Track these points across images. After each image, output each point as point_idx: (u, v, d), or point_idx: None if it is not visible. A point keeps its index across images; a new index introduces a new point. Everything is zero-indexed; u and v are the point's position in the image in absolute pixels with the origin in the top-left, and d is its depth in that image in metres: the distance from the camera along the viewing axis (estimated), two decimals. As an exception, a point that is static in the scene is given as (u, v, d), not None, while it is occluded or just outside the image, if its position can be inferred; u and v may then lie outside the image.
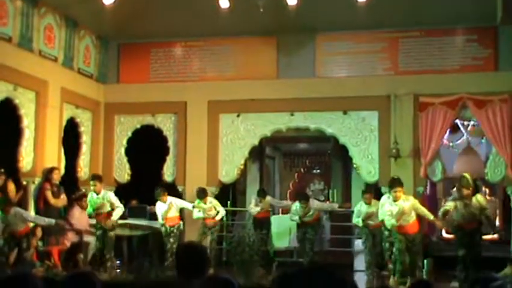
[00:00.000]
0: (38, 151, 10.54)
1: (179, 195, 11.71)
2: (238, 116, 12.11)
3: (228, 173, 12.15)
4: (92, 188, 10.47)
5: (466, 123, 12.14)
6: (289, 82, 11.86)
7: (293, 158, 17.00)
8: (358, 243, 11.08)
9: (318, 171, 16.86)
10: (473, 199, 9.10)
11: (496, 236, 11.82)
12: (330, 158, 16.06)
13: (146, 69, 12.68)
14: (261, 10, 10.20)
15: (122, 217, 10.82)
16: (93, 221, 10.61)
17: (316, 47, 12.03)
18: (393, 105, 11.39)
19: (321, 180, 16.74)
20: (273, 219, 12.10)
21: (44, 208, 10.19)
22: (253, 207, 11.64)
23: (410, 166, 11.23)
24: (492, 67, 11.29)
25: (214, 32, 12.04)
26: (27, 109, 10.44)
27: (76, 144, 12.00)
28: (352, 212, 11.04)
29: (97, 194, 10.37)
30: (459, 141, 12.85)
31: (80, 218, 10.77)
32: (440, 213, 9.36)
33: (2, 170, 9.71)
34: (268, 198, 11.89)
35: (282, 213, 13.27)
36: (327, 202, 14.07)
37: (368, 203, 10.39)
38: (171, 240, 10.70)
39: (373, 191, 10.89)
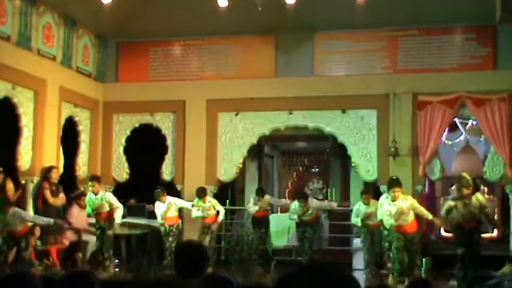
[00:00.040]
0: (36, 150, 10.53)
1: (178, 194, 11.72)
2: (236, 114, 12.11)
3: (226, 171, 12.15)
4: (90, 188, 10.41)
5: (464, 121, 12.14)
6: (287, 81, 11.85)
7: (292, 157, 16.96)
8: (357, 242, 11.08)
9: (317, 169, 16.82)
10: (473, 198, 9.09)
11: (497, 233, 11.80)
12: (328, 157, 16.04)
13: (145, 68, 12.67)
14: (259, 9, 10.18)
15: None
16: (93, 220, 10.60)
17: (314, 46, 12.02)
18: (392, 103, 11.39)
19: (320, 179, 16.71)
20: (272, 217, 12.08)
21: (42, 207, 10.17)
22: (252, 206, 11.63)
23: (409, 165, 11.23)
24: (491, 66, 11.30)
25: (213, 30, 12.03)
26: (26, 108, 10.43)
27: (75, 143, 11.99)
28: (351, 210, 11.05)
29: (95, 195, 10.34)
30: (458, 140, 12.84)
31: (78, 216, 10.78)
32: (443, 211, 9.35)
33: (1, 169, 9.69)
34: (267, 197, 11.89)
35: (281, 212, 13.26)
36: (326, 201, 14.08)
37: (367, 203, 10.39)
38: (170, 239, 10.71)
39: (372, 190, 10.90)
